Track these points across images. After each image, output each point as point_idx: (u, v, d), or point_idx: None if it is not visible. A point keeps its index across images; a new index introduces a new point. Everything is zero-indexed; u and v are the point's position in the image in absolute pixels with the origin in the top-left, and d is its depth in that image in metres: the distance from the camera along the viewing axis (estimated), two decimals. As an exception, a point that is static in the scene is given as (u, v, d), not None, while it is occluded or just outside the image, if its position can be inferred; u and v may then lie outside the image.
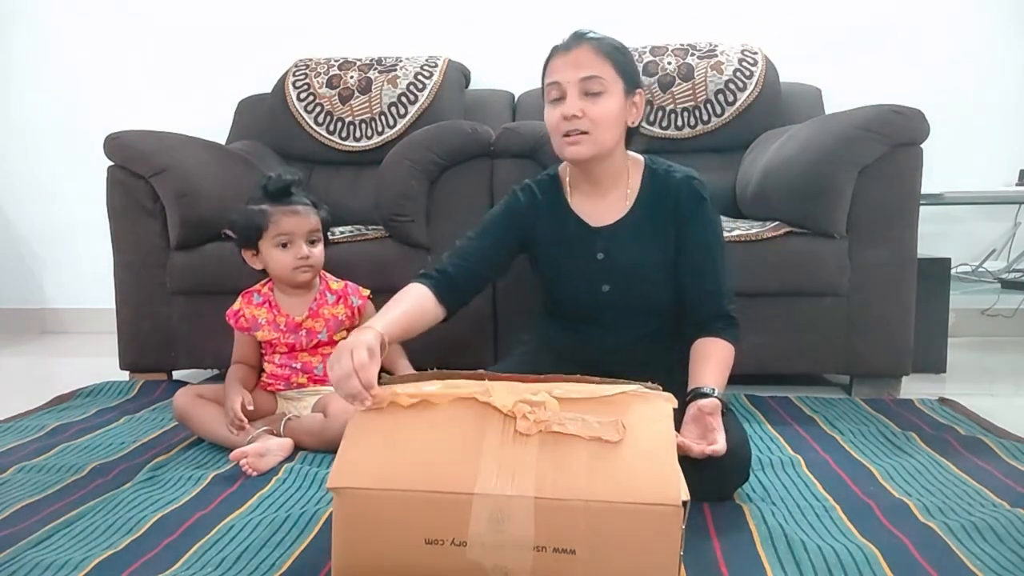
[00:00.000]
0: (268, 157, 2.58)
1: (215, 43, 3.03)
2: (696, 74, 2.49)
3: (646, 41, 2.60)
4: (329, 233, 1.75)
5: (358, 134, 2.61)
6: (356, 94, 2.61)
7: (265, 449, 1.48)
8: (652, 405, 0.99)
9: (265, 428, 1.58)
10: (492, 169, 2.05)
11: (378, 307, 1.72)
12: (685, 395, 1.24)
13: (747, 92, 2.47)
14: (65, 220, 3.13)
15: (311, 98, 2.64)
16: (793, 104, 2.53)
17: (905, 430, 1.65)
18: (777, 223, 1.99)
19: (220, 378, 1.88)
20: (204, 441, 1.63)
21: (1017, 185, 2.60)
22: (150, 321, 2.13)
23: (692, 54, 2.53)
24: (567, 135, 1.32)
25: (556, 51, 1.34)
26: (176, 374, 2.23)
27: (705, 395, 1.22)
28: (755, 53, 2.53)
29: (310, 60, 2.72)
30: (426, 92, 2.59)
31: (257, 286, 1.73)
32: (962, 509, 1.21)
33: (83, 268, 3.09)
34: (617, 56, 1.34)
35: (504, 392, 0.98)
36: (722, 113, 2.48)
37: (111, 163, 2.11)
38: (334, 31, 2.96)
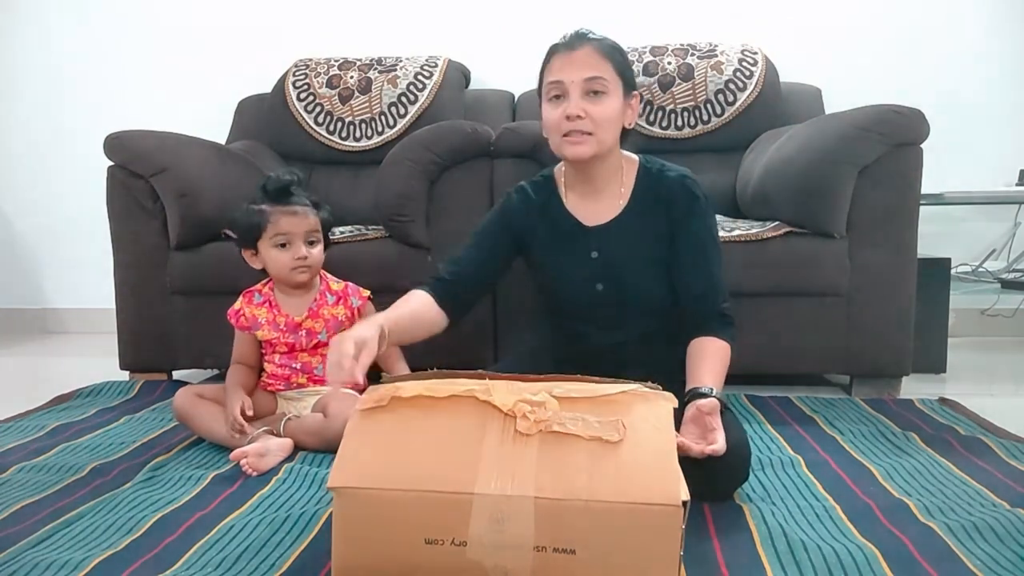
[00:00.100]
0: (268, 157, 2.58)
1: (215, 43, 3.03)
2: (696, 74, 2.49)
3: (646, 41, 2.60)
4: (329, 233, 1.75)
5: (358, 134, 2.61)
6: (356, 94, 2.61)
7: (265, 449, 1.48)
8: (652, 405, 0.99)
9: (265, 428, 1.58)
10: (492, 169, 2.05)
11: (379, 309, 1.73)
12: (684, 395, 1.24)
13: (747, 92, 2.47)
14: (65, 220, 3.13)
15: (311, 98, 2.64)
16: (793, 104, 2.53)
17: (905, 430, 1.65)
18: (777, 223, 1.99)
19: (220, 378, 1.89)
20: (204, 441, 1.63)
21: (1017, 185, 2.60)
22: (150, 321, 2.13)
23: (692, 54, 2.53)
24: (567, 135, 1.32)
25: (557, 50, 1.35)
26: (176, 374, 2.23)
27: (703, 395, 1.22)
28: (755, 53, 2.53)
29: (310, 60, 2.72)
30: (426, 92, 2.59)
31: (258, 285, 1.73)
32: (962, 509, 1.21)
33: (83, 268, 3.08)
34: (617, 57, 1.34)
35: (504, 391, 0.98)
36: (722, 113, 2.48)
37: (111, 163, 2.11)
38: (334, 31, 2.96)
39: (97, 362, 2.43)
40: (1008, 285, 2.65)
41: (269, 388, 1.72)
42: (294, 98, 2.65)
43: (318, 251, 1.66)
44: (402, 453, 0.95)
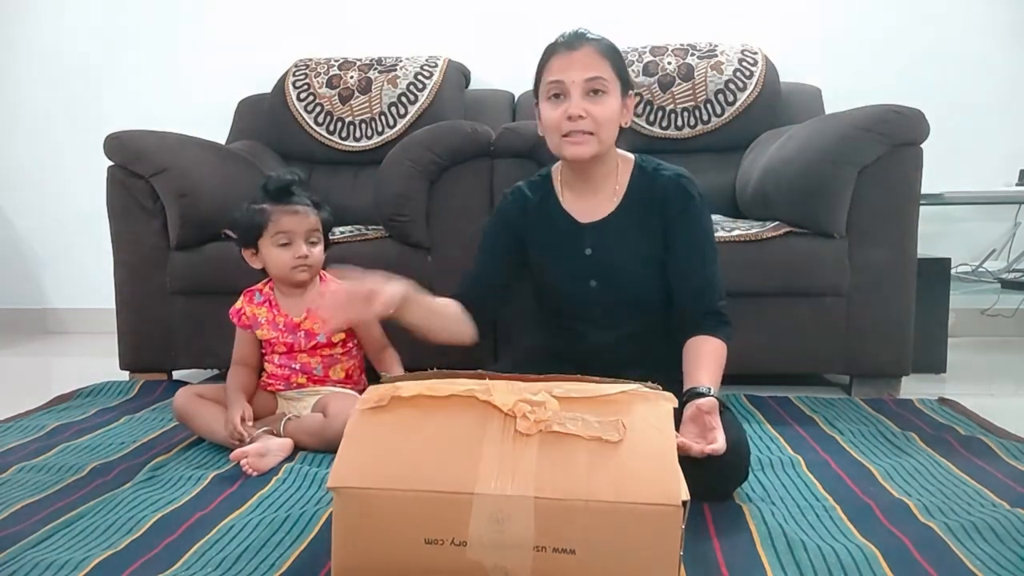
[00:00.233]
0: (268, 157, 2.58)
1: (215, 43, 3.03)
2: (696, 74, 2.49)
3: (646, 41, 2.60)
4: (329, 233, 1.75)
5: (358, 134, 2.61)
6: (356, 94, 2.61)
7: (265, 449, 1.48)
8: (652, 405, 0.99)
9: (265, 428, 1.58)
10: (492, 169, 2.05)
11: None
12: (681, 395, 1.24)
13: (747, 92, 2.47)
14: (65, 220, 3.13)
15: (311, 98, 2.64)
16: (793, 104, 2.53)
17: (905, 430, 1.65)
18: (777, 223, 1.99)
19: (220, 378, 1.89)
20: (204, 441, 1.63)
21: (1017, 185, 2.60)
22: (150, 321, 2.13)
23: (692, 54, 2.53)
24: (568, 135, 1.33)
25: (556, 50, 1.35)
26: (176, 374, 2.23)
27: (701, 394, 1.22)
28: (755, 53, 2.53)
29: (310, 60, 2.72)
30: (426, 92, 2.59)
31: (259, 285, 1.73)
32: (962, 509, 1.21)
33: (83, 268, 3.08)
34: (615, 57, 1.35)
35: (504, 391, 0.98)
36: (722, 113, 2.48)
37: (111, 163, 2.11)
38: (334, 31, 2.96)
39: (97, 362, 2.43)
40: (1008, 285, 2.65)
41: (269, 388, 1.72)
42: (294, 98, 2.65)
43: (318, 251, 1.66)
44: (402, 453, 0.95)
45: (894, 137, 1.84)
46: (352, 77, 2.63)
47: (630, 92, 1.38)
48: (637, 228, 1.40)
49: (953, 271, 2.39)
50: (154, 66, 3.07)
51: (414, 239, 2.02)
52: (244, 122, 2.76)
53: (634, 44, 2.58)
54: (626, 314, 1.44)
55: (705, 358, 1.30)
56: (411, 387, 1.00)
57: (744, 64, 2.50)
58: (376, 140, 2.59)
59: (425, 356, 1.69)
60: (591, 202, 1.43)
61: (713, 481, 1.22)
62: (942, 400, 1.89)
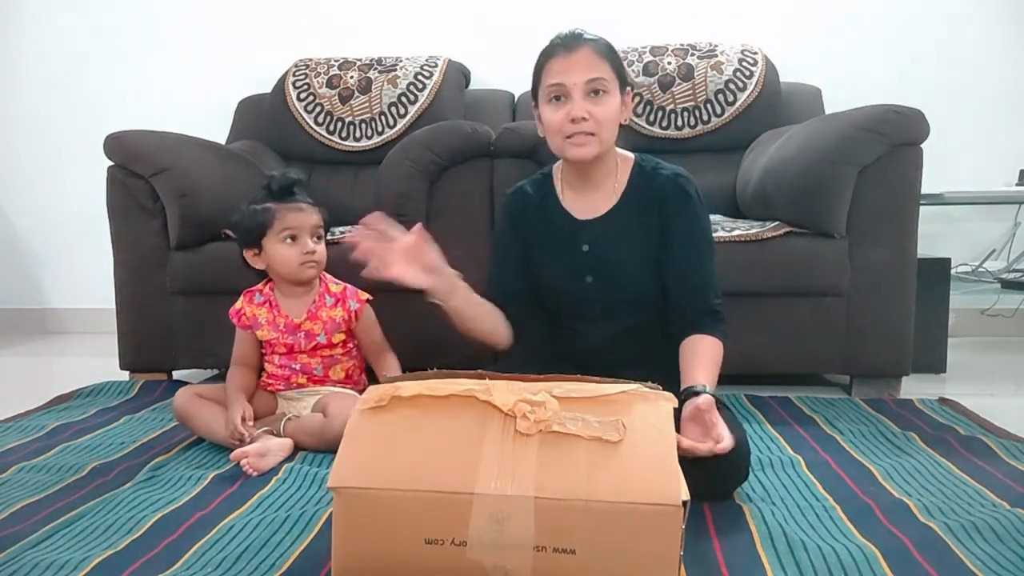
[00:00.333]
0: (268, 157, 2.58)
1: (215, 43, 3.03)
2: (696, 74, 2.49)
3: (646, 41, 2.60)
4: (329, 233, 1.75)
5: (358, 134, 2.61)
6: (356, 94, 2.61)
7: (265, 449, 1.48)
8: (652, 405, 0.99)
9: (265, 428, 1.58)
10: (492, 169, 2.05)
11: (378, 309, 1.73)
12: (679, 394, 1.24)
13: (747, 92, 2.47)
14: (65, 220, 3.13)
15: (311, 98, 2.64)
16: (793, 104, 2.53)
17: (905, 430, 1.65)
18: (777, 223, 1.99)
19: (220, 378, 1.89)
20: (204, 441, 1.63)
21: (1017, 185, 2.60)
22: (150, 321, 2.13)
23: (692, 54, 2.53)
24: (570, 136, 1.33)
25: (555, 52, 1.35)
26: (176, 374, 2.23)
27: (698, 393, 1.22)
28: (755, 53, 2.53)
29: (310, 60, 2.72)
30: (426, 92, 2.59)
31: (259, 285, 1.72)
32: (962, 509, 1.21)
33: (83, 268, 3.08)
34: (612, 56, 1.36)
35: (504, 391, 0.98)
36: (722, 113, 2.48)
37: (111, 163, 2.11)
38: (334, 31, 2.96)
39: (97, 362, 2.43)
40: (1008, 285, 2.65)
41: (269, 388, 1.72)
42: (294, 98, 2.65)
43: (323, 248, 1.67)
44: (402, 453, 0.95)
45: (894, 137, 1.84)
46: (352, 77, 2.63)
47: (628, 88, 1.39)
48: (635, 226, 1.41)
49: (953, 271, 2.39)
50: (154, 66, 3.07)
51: (414, 239, 2.02)
52: (244, 122, 2.76)
53: (634, 44, 2.58)
54: (623, 312, 1.44)
55: (701, 357, 1.30)
56: (411, 387, 1.00)
57: (744, 64, 2.50)
58: (376, 140, 2.59)
59: (425, 356, 1.69)
60: (590, 199, 1.44)
61: (713, 481, 1.22)
62: (942, 400, 1.89)
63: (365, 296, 1.72)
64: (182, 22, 3.04)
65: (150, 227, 2.10)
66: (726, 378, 1.33)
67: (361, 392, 1.52)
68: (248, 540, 1.15)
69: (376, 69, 2.64)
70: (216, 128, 2.68)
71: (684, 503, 0.88)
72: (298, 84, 2.66)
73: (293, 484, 1.38)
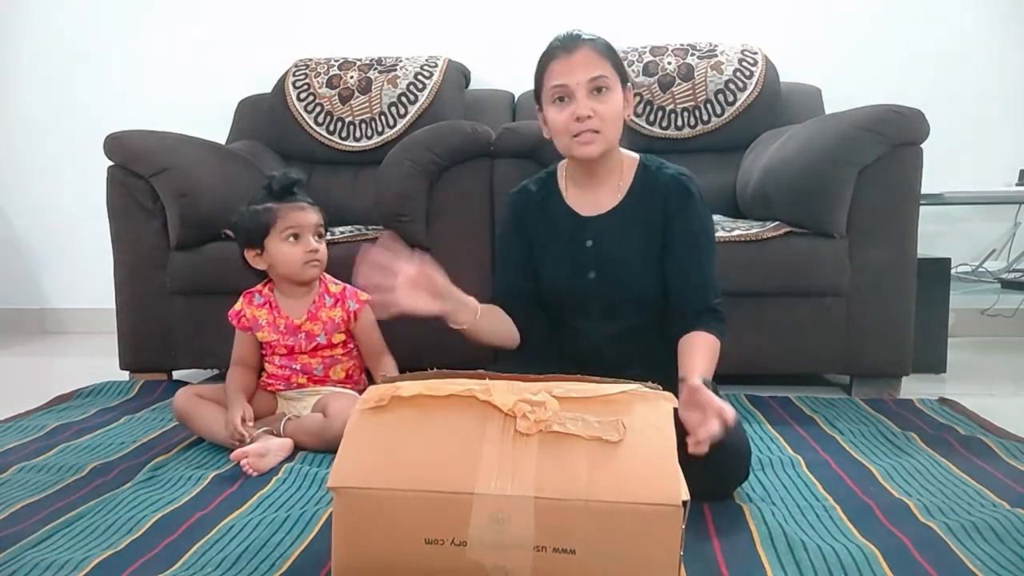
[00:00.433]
0: (268, 157, 2.58)
1: (215, 43, 3.03)
2: (696, 74, 2.49)
3: (646, 41, 2.60)
4: (329, 233, 1.75)
5: (358, 134, 2.61)
6: (356, 94, 2.61)
7: (265, 449, 1.48)
8: (652, 405, 0.99)
9: (265, 428, 1.58)
10: (492, 169, 2.05)
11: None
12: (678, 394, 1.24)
13: (747, 92, 2.47)
14: (65, 220, 3.13)
15: (311, 98, 2.64)
16: (793, 104, 2.53)
17: (905, 430, 1.65)
18: (777, 223, 1.99)
19: (220, 378, 1.89)
20: (204, 441, 1.63)
21: (1017, 185, 2.60)
22: (150, 321, 2.13)
23: (692, 54, 2.53)
24: (577, 135, 1.35)
25: (555, 54, 1.36)
26: (176, 374, 2.23)
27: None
28: (755, 53, 2.53)
29: (310, 60, 2.72)
30: (426, 92, 2.59)
31: (258, 286, 1.72)
32: (962, 509, 1.21)
33: (83, 268, 3.08)
34: (611, 54, 1.37)
35: (504, 391, 0.98)
36: (722, 113, 2.48)
37: (111, 163, 2.11)
38: (334, 31, 2.96)
39: (97, 362, 2.43)
40: (1008, 285, 2.65)
41: (269, 388, 1.72)
42: (294, 98, 2.65)
43: (324, 247, 1.67)
44: (402, 453, 0.95)
45: (894, 137, 1.84)
46: (352, 77, 2.63)
47: (628, 84, 1.41)
48: (639, 223, 1.42)
49: (953, 271, 2.39)
50: (154, 66, 3.07)
51: (414, 239, 2.02)
52: (244, 122, 2.76)
53: (634, 44, 2.58)
54: (624, 310, 1.45)
55: (698, 351, 1.31)
56: (411, 387, 1.00)
57: (744, 64, 2.50)
58: (376, 140, 2.59)
59: (425, 356, 1.69)
60: (594, 197, 1.45)
61: (713, 481, 1.22)
62: (942, 400, 1.89)
63: (365, 296, 1.71)
64: (182, 22, 3.04)
65: (150, 227, 2.10)
66: (726, 378, 1.34)
67: (361, 392, 1.51)
68: (248, 540, 1.15)
69: (376, 69, 2.64)
70: (216, 128, 2.68)
71: (684, 503, 0.88)
72: (298, 84, 2.66)
73: (293, 484, 1.38)
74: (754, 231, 1.93)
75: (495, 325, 1.42)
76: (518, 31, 2.87)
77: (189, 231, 2.08)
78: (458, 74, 2.71)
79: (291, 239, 1.62)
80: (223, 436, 1.55)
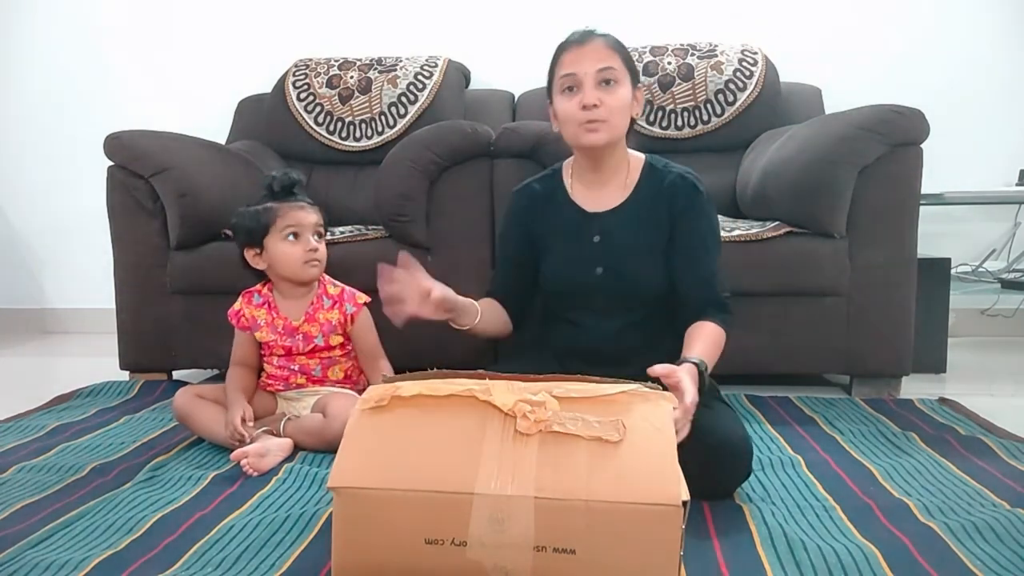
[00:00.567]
0: (268, 157, 2.58)
1: (215, 43, 3.03)
2: (696, 74, 2.49)
3: (646, 41, 2.60)
4: (329, 233, 1.75)
5: (358, 134, 2.61)
6: (356, 94, 2.61)
7: (265, 449, 1.48)
8: (652, 405, 0.99)
9: (265, 428, 1.58)
10: (492, 169, 2.05)
11: (376, 312, 1.72)
12: None
13: (747, 92, 2.47)
14: (65, 220, 3.13)
15: (311, 98, 2.64)
16: (793, 104, 2.53)
17: (905, 430, 1.65)
18: (777, 223, 1.99)
19: (220, 378, 1.89)
20: (204, 441, 1.63)
21: (1017, 185, 2.60)
22: (150, 321, 2.13)
23: (692, 54, 2.53)
24: (583, 123, 1.36)
25: (568, 46, 1.39)
26: (176, 374, 2.23)
27: (687, 361, 1.23)
28: (755, 53, 2.53)
29: (310, 60, 2.72)
30: (426, 92, 2.59)
31: (257, 286, 1.72)
32: (962, 509, 1.21)
33: (83, 268, 3.08)
34: (623, 50, 1.40)
35: (504, 391, 0.98)
36: (722, 113, 2.48)
37: (111, 163, 2.11)
38: (334, 31, 2.96)
39: (97, 362, 2.43)
40: (1008, 285, 2.65)
41: (269, 388, 1.72)
42: (294, 98, 2.65)
43: (324, 247, 1.67)
44: (402, 453, 0.95)
45: (894, 137, 1.84)
46: (352, 77, 2.63)
47: (639, 84, 1.43)
48: (645, 218, 1.44)
49: (953, 271, 2.39)
50: (154, 66, 3.07)
51: (414, 239, 2.02)
52: (244, 122, 2.76)
53: (634, 44, 2.58)
54: (628, 305, 1.46)
55: (700, 339, 1.32)
56: (411, 387, 1.00)
57: (744, 64, 2.50)
58: (376, 140, 2.59)
59: (425, 356, 1.69)
60: (600, 193, 1.47)
61: (713, 481, 1.22)
62: (942, 400, 1.89)
63: (363, 299, 1.71)
64: (182, 22, 3.04)
65: (150, 227, 2.10)
66: (726, 378, 1.34)
67: (360, 392, 1.52)
68: (248, 540, 1.15)
69: (376, 69, 2.64)
70: (216, 128, 2.68)
71: (684, 503, 0.88)
72: (298, 84, 2.66)
73: (293, 484, 1.39)
74: (754, 231, 1.93)
75: (492, 321, 1.50)
76: (518, 31, 2.87)
77: (189, 231, 2.07)
78: (458, 74, 2.71)
79: (291, 238, 1.62)
80: (223, 436, 1.55)
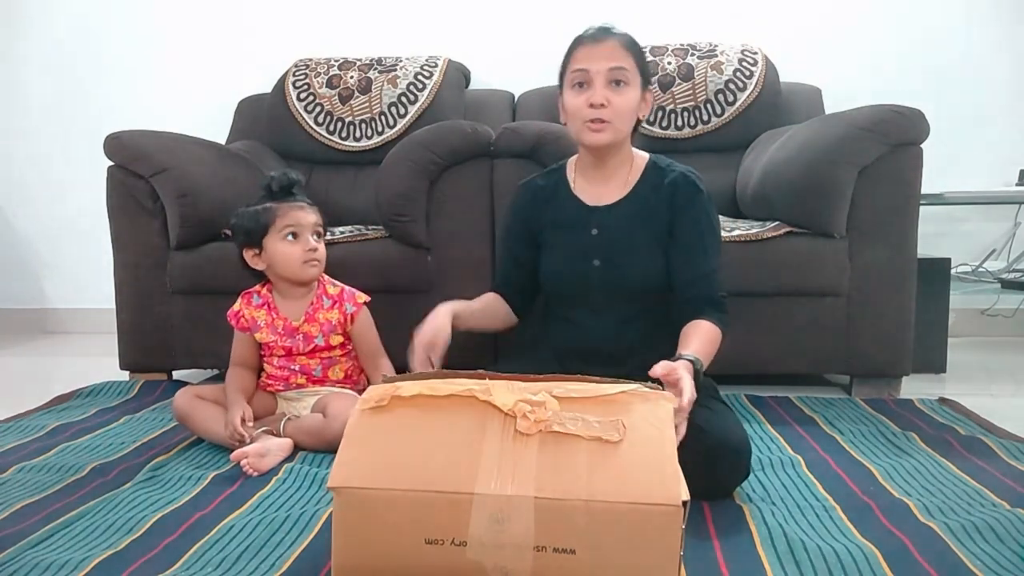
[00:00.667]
0: (268, 157, 2.58)
1: (215, 43, 3.03)
2: (696, 74, 2.49)
3: (646, 41, 2.56)
4: (328, 233, 1.75)
5: (358, 134, 2.61)
6: (356, 94, 2.61)
7: (265, 449, 1.48)
8: (652, 405, 0.99)
9: (265, 428, 1.58)
10: (492, 169, 2.05)
11: (376, 312, 1.72)
12: None
13: (747, 92, 2.47)
14: (65, 220, 3.13)
15: (311, 98, 2.64)
16: (793, 104, 2.53)
17: (905, 430, 1.65)
18: (777, 223, 1.99)
19: (220, 378, 1.89)
20: (204, 441, 1.63)
21: (1017, 185, 2.60)
22: (150, 321, 2.13)
23: (692, 54, 2.53)
24: (587, 121, 1.37)
25: (583, 41, 1.40)
26: (176, 374, 2.23)
27: (682, 358, 1.23)
28: (755, 53, 2.53)
29: (310, 60, 2.72)
30: (426, 92, 2.59)
31: (257, 287, 1.72)
32: (962, 509, 1.21)
33: (83, 268, 3.08)
34: (637, 52, 1.40)
35: (504, 391, 0.98)
36: (722, 113, 2.48)
37: (111, 163, 2.11)
38: (334, 31, 2.96)
39: (97, 362, 2.43)
40: (1008, 285, 2.65)
41: (269, 388, 1.72)
42: (294, 98, 2.65)
43: (323, 247, 1.67)
44: (402, 453, 0.95)
45: (894, 137, 1.84)
46: (352, 77, 2.63)
47: (649, 87, 1.44)
48: (645, 215, 1.44)
49: (953, 271, 2.39)
50: (154, 66, 3.07)
51: (414, 239, 2.02)
52: (244, 122, 2.76)
53: (634, 44, 2.58)
54: (625, 300, 1.46)
55: (696, 337, 1.32)
56: (411, 387, 1.00)
57: (744, 64, 2.50)
58: (376, 140, 2.59)
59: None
60: (602, 189, 1.48)
61: (713, 481, 1.22)
62: (942, 400, 1.89)
63: (363, 298, 1.71)
64: (182, 22, 3.04)
65: (150, 227, 2.10)
66: (726, 378, 1.34)
67: (361, 392, 1.52)
68: (248, 540, 1.15)
69: (376, 69, 2.64)
70: (216, 128, 2.68)
71: (684, 503, 0.88)
72: (298, 84, 2.66)
73: (293, 484, 1.38)
74: (754, 231, 1.93)
75: (492, 316, 1.56)
76: (518, 31, 2.87)
77: (189, 231, 2.07)
78: (458, 74, 2.71)
79: (290, 238, 1.62)
80: (223, 436, 1.55)
